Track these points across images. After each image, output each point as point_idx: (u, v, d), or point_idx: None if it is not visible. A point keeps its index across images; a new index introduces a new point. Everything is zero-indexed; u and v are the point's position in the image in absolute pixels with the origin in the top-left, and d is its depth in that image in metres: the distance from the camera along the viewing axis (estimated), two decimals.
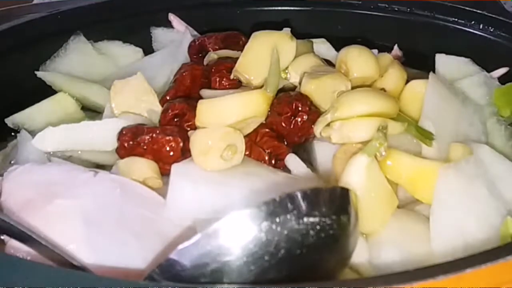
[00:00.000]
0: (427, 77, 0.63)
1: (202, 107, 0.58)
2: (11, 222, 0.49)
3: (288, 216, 0.40)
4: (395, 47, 0.83)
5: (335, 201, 0.43)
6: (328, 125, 0.57)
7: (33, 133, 0.65)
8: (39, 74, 0.76)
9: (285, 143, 0.59)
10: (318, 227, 0.41)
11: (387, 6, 0.87)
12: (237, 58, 0.63)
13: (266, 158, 0.58)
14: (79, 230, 0.49)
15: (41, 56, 0.78)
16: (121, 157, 0.60)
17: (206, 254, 0.40)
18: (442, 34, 0.82)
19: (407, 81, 0.65)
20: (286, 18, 0.88)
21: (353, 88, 0.61)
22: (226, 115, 0.56)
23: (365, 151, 0.52)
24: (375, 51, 0.73)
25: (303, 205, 0.41)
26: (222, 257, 0.40)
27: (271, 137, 0.59)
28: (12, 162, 0.65)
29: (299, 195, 0.41)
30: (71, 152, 0.64)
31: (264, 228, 0.40)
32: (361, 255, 0.49)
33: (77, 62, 0.79)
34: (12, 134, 0.71)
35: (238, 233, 0.40)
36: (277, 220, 0.40)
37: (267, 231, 0.40)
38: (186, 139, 0.58)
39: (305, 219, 0.41)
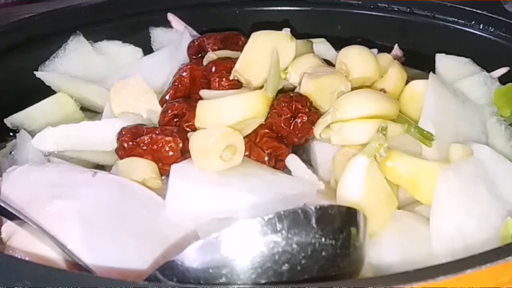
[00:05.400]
0: (427, 77, 0.63)
1: (202, 107, 0.58)
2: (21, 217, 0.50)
3: (293, 232, 0.40)
4: (395, 47, 0.83)
5: (340, 222, 0.43)
6: (328, 126, 0.57)
7: (32, 133, 0.65)
8: (38, 74, 0.76)
9: (285, 143, 0.59)
10: (321, 245, 0.41)
11: (387, 6, 0.87)
12: (236, 59, 0.63)
13: (266, 158, 0.58)
14: (78, 231, 0.49)
15: (40, 56, 0.78)
16: (121, 158, 0.59)
17: (208, 261, 0.40)
18: (442, 34, 0.82)
19: (407, 81, 0.65)
20: (286, 18, 0.88)
21: (353, 88, 0.61)
22: (226, 116, 0.56)
23: (364, 152, 0.52)
24: (375, 51, 0.73)
25: (309, 222, 0.41)
26: (224, 265, 0.40)
27: (271, 137, 0.59)
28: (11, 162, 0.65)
29: (307, 211, 0.41)
30: (70, 152, 0.64)
31: (268, 242, 0.40)
32: None
33: (76, 62, 0.79)
34: (11, 134, 0.71)
35: (242, 244, 0.40)
36: (282, 234, 0.40)
37: (271, 245, 0.40)
38: (186, 140, 0.58)
39: (310, 236, 0.41)
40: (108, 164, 0.63)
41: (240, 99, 0.57)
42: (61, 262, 0.48)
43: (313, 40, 0.72)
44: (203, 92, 0.64)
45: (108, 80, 0.76)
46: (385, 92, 0.64)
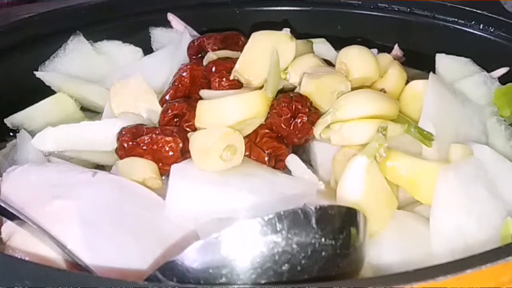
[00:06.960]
0: (427, 77, 0.63)
1: (202, 107, 0.58)
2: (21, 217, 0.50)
3: (293, 232, 0.40)
4: (395, 47, 0.83)
5: (340, 222, 0.43)
6: (328, 126, 0.57)
7: (32, 133, 0.66)
8: (38, 74, 0.76)
9: (285, 143, 0.59)
10: (321, 246, 0.41)
11: (387, 6, 0.87)
12: (236, 59, 0.63)
13: (266, 158, 0.58)
14: (78, 231, 0.49)
15: (40, 56, 0.78)
16: (121, 158, 0.59)
17: (208, 262, 0.40)
18: (442, 34, 0.82)
19: (407, 81, 0.65)
20: (286, 18, 0.88)
21: (353, 88, 0.61)
22: (226, 116, 0.56)
23: (364, 152, 0.52)
24: (375, 51, 0.73)
25: (309, 222, 0.41)
26: (224, 265, 0.40)
27: (271, 137, 0.59)
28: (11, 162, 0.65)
29: (307, 211, 0.41)
30: (70, 152, 0.64)
31: (268, 242, 0.40)
32: None
33: (76, 62, 0.79)
34: (11, 134, 0.71)
35: (242, 244, 0.40)
36: (282, 234, 0.40)
37: (271, 245, 0.40)
38: (186, 140, 0.58)
39: (310, 236, 0.41)
40: (108, 164, 0.63)
41: (240, 99, 0.57)
42: (61, 262, 0.48)
43: (313, 40, 0.72)
44: (203, 92, 0.64)
45: (108, 80, 0.76)
46: (385, 92, 0.64)
